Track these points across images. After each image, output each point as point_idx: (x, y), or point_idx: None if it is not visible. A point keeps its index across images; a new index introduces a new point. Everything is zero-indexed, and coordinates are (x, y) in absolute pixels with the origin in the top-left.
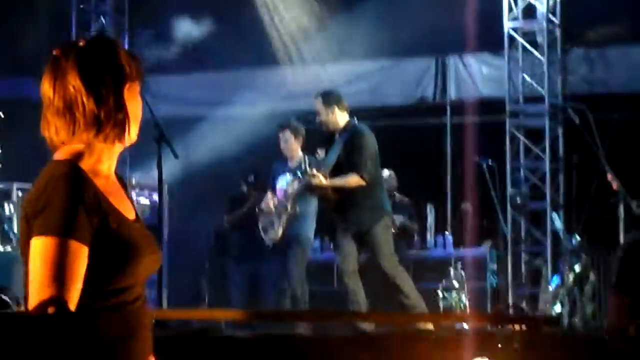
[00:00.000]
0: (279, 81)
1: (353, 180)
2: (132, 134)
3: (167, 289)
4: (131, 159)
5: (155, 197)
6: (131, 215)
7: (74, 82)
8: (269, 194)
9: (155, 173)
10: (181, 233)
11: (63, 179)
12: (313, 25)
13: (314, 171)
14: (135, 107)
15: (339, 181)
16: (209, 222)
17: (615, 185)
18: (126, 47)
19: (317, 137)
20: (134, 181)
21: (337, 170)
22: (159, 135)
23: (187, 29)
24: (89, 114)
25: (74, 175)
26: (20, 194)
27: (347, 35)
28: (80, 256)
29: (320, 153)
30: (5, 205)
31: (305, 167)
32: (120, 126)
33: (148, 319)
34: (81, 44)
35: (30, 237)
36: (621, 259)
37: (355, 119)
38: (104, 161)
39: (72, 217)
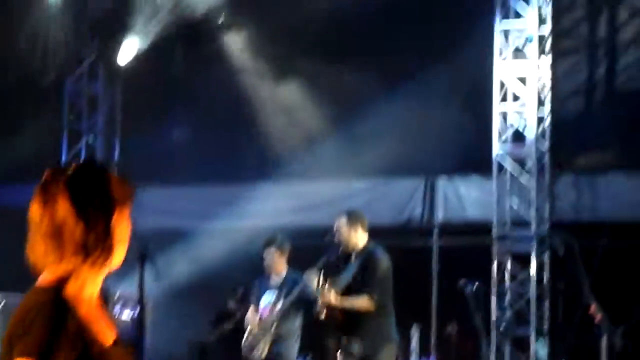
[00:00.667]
0: (266, 196)
1: (363, 302)
2: (118, 259)
3: None
4: (116, 272)
5: (137, 311)
6: (110, 340)
7: (63, 208)
8: (253, 310)
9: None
10: (164, 347)
11: (46, 308)
12: (303, 143)
13: (326, 289)
14: (123, 232)
15: (349, 302)
16: (193, 337)
17: (598, 317)
18: (117, 155)
19: (301, 253)
20: (117, 295)
21: (348, 291)
22: (141, 254)
23: (178, 140)
24: (78, 240)
25: (57, 306)
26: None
27: (336, 153)
28: None
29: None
30: None
31: (319, 281)
32: (108, 252)
33: None
34: (71, 169)
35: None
36: None
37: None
38: (88, 287)
39: (52, 343)
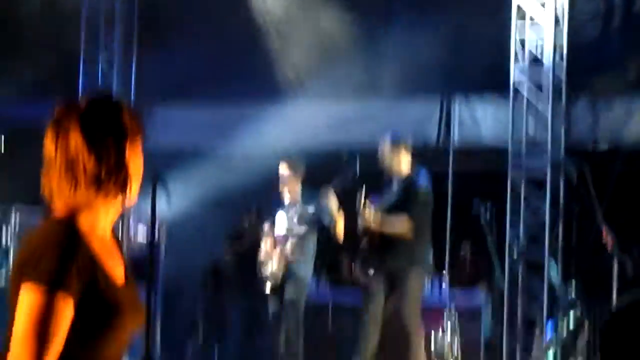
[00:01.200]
0: (284, 117)
1: (400, 226)
2: (133, 193)
3: (161, 323)
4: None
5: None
6: (121, 277)
7: (75, 142)
8: (268, 233)
9: (159, 206)
10: (179, 268)
11: (58, 238)
12: (320, 62)
13: (367, 207)
14: (136, 165)
15: (387, 223)
16: (208, 258)
17: (610, 242)
18: (133, 75)
19: (318, 173)
20: (132, 216)
21: (389, 212)
22: (154, 179)
23: (195, 60)
24: (90, 173)
25: (69, 236)
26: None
27: (353, 74)
28: (65, 312)
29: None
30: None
31: (361, 198)
32: (122, 185)
33: None
34: (84, 103)
35: (20, 285)
36: (603, 335)
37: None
38: (101, 220)
39: (62, 272)
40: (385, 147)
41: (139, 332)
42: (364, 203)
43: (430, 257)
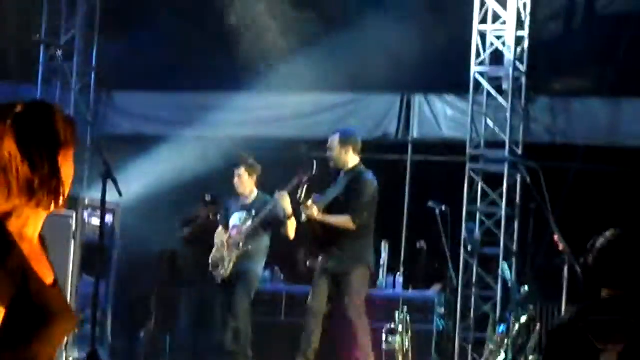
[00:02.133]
0: (243, 106)
1: (344, 221)
2: (62, 200)
3: (113, 310)
4: (88, 179)
5: (108, 217)
6: (49, 281)
7: (9, 148)
8: (221, 230)
9: (111, 193)
10: (133, 253)
11: None
12: (283, 55)
13: (309, 202)
14: (67, 173)
15: (331, 219)
16: (163, 244)
17: (561, 246)
18: (94, 60)
19: (276, 165)
20: (86, 201)
21: (332, 208)
22: (105, 173)
23: (156, 46)
24: (23, 179)
25: (0, 237)
26: None
27: (315, 66)
28: None
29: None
30: None
31: (301, 195)
32: (54, 193)
33: None
34: (19, 108)
35: None
36: (548, 342)
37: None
38: (30, 225)
39: None
40: (333, 143)
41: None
42: (305, 198)
43: (372, 254)
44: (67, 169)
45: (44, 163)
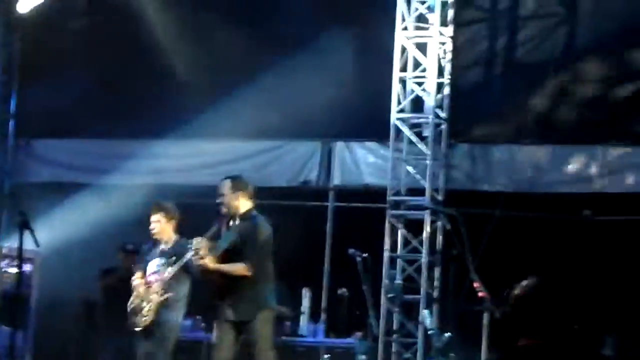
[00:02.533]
0: (163, 153)
1: (239, 269)
2: None
3: (32, 359)
4: (6, 228)
5: (26, 266)
6: None
7: None
8: (139, 276)
9: (27, 242)
10: (52, 302)
11: None
12: (203, 102)
13: (201, 252)
14: None
15: (226, 267)
16: (82, 292)
17: (481, 293)
18: (12, 108)
19: (196, 212)
20: (3, 250)
21: (228, 255)
22: (21, 223)
23: (75, 93)
24: None
25: None
26: None
27: (237, 113)
28: None
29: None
30: None
31: (195, 246)
32: None
33: None
34: None
35: None
36: None
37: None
38: None
39: None
40: (224, 189)
41: None
42: (199, 249)
43: (273, 298)
44: None
45: None
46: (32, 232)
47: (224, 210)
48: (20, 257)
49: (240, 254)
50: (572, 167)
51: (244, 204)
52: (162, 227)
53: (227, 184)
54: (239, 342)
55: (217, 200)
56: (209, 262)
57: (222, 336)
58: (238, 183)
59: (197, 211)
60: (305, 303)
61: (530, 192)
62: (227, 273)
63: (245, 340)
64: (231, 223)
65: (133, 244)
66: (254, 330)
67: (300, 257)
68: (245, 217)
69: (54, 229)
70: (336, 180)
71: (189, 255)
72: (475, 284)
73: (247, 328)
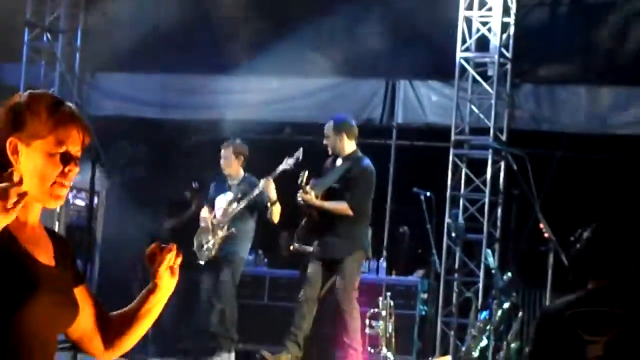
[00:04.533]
0: (229, 89)
1: (342, 207)
2: (46, 194)
3: (96, 290)
4: None
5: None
6: (47, 262)
7: None
8: (207, 210)
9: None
10: (116, 236)
11: None
12: (270, 38)
13: (308, 187)
14: (38, 165)
15: (329, 205)
16: (146, 226)
17: (547, 234)
18: (79, 41)
19: (260, 148)
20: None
21: (330, 194)
22: (94, 157)
23: (141, 27)
24: None
25: None
26: None
27: (301, 50)
28: None
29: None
30: None
31: (302, 181)
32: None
33: None
34: (15, 98)
35: None
36: (535, 333)
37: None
38: (29, 212)
39: None
40: (328, 130)
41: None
42: (305, 184)
43: (368, 240)
44: (35, 160)
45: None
46: (102, 165)
47: (329, 151)
48: (92, 190)
49: (343, 193)
50: (636, 108)
51: (348, 144)
52: (230, 163)
53: (331, 125)
54: (328, 280)
55: (324, 142)
56: (313, 198)
57: (314, 272)
58: (341, 124)
59: (261, 147)
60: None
61: (594, 132)
62: (329, 210)
63: (332, 277)
64: (337, 162)
65: (199, 180)
66: (344, 269)
67: None
68: (350, 158)
69: (119, 164)
70: (399, 118)
71: (256, 191)
72: (541, 225)
73: (338, 266)
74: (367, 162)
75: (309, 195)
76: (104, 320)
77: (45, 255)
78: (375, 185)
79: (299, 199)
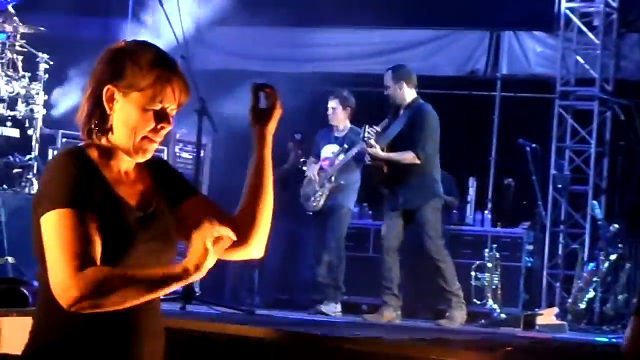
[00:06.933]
0: (333, 42)
1: (409, 157)
2: (134, 147)
3: None
4: (179, 113)
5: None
6: (144, 207)
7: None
8: (313, 162)
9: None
10: (222, 187)
11: (63, 159)
12: None
13: (372, 141)
14: (131, 117)
15: (395, 156)
16: None
17: None
18: None
19: (364, 102)
20: (177, 136)
21: (396, 144)
22: (200, 109)
23: None
24: (83, 113)
25: (76, 157)
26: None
27: (404, 2)
28: (92, 225)
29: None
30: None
31: (364, 135)
32: (102, 130)
33: (153, 324)
34: (120, 44)
35: (39, 221)
36: None
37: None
38: (112, 158)
39: (73, 190)
40: (387, 80)
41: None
42: (369, 138)
43: (440, 187)
44: (128, 111)
45: (92, 100)
46: (210, 118)
47: (390, 101)
48: (199, 143)
49: (408, 142)
50: None
51: (409, 93)
52: (337, 114)
53: (390, 75)
54: (405, 230)
55: (384, 93)
56: (379, 151)
57: (391, 224)
58: (401, 73)
59: (364, 99)
60: (472, 192)
61: None
62: (396, 161)
63: (412, 227)
64: (400, 112)
65: (302, 133)
66: (423, 217)
67: (466, 146)
68: (411, 105)
69: (222, 117)
70: (504, 69)
71: (361, 143)
72: None
73: (416, 215)
74: (428, 107)
75: (375, 148)
76: (230, 221)
77: (142, 201)
78: (439, 131)
79: (365, 153)
